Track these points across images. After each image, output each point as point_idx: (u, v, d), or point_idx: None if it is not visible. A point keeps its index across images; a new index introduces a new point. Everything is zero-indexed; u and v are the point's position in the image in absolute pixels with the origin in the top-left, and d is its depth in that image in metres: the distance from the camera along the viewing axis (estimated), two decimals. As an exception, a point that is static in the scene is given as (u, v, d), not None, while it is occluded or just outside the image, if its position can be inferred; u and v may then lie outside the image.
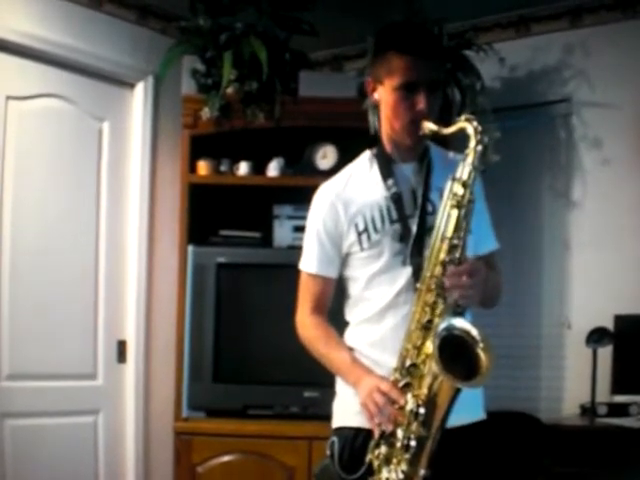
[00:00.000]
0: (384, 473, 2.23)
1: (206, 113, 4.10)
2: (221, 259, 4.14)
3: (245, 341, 4.16)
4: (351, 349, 2.45)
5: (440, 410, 2.16)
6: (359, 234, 2.43)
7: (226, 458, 4.04)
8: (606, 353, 4.07)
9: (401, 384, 2.22)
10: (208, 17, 4.13)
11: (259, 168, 4.29)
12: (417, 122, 2.35)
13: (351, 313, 2.52)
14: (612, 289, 4.24)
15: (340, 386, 2.51)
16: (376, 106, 2.51)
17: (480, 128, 2.25)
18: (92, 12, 4.36)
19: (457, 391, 2.14)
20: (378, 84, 2.43)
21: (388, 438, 2.23)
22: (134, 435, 4.51)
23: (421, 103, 2.33)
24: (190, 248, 4.16)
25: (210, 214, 4.34)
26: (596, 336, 4.07)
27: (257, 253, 4.24)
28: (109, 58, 4.43)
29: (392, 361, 2.28)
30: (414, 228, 2.38)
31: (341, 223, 2.45)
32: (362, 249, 2.43)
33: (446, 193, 2.26)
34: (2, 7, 3.97)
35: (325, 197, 2.50)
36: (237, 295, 4.20)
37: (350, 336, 2.50)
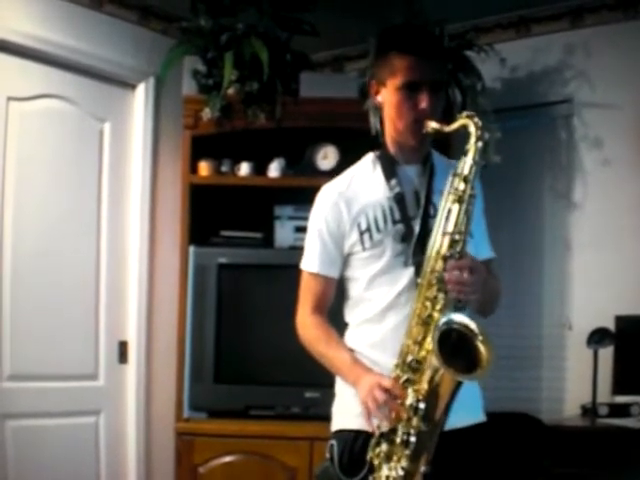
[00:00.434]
0: (384, 470, 2.23)
1: (207, 114, 4.11)
2: (222, 260, 4.14)
3: (246, 342, 4.17)
4: (351, 350, 2.45)
5: (441, 405, 2.17)
6: (361, 233, 2.43)
7: (227, 459, 4.04)
8: (607, 354, 4.07)
9: (402, 380, 2.22)
10: (209, 18, 4.14)
11: (260, 169, 4.29)
12: (420, 122, 2.36)
13: (351, 314, 2.52)
14: (613, 289, 4.24)
15: (339, 388, 2.51)
16: (379, 108, 2.52)
17: (481, 124, 2.27)
18: (93, 13, 4.36)
19: (458, 385, 2.14)
20: (381, 86, 2.44)
21: (389, 436, 2.23)
22: (135, 436, 4.52)
23: (424, 102, 2.34)
24: (191, 249, 4.16)
25: (211, 215, 4.34)
26: (597, 337, 4.07)
27: (258, 254, 4.24)
28: (110, 59, 4.43)
29: (392, 362, 2.28)
30: (417, 229, 2.38)
31: (344, 222, 2.45)
32: (364, 249, 2.43)
33: (447, 188, 2.28)
34: (3, 8, 3.97)
35: (328, 196, 2.50)
36: (238, 296, 4.20)
37: (350, 337, 2.50)
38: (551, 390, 4.44)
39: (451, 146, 3.43)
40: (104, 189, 4.48)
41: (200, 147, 4.25)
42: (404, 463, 2.20)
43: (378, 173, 2.48)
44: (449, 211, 2.25)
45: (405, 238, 2.39)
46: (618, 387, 4.05)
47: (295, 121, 4.21)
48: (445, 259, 2.22)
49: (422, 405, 2.17)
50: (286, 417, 4.08)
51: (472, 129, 2.27)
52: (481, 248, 2.50)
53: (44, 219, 4.20)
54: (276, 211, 4.29)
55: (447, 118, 2.39)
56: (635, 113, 4.26)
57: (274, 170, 4.27)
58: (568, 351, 4.40)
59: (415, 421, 2.18)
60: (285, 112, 4.17)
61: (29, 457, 4.04)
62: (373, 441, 2.26)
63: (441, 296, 2.22)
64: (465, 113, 2.31)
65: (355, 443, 2.37)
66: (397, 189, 2.42)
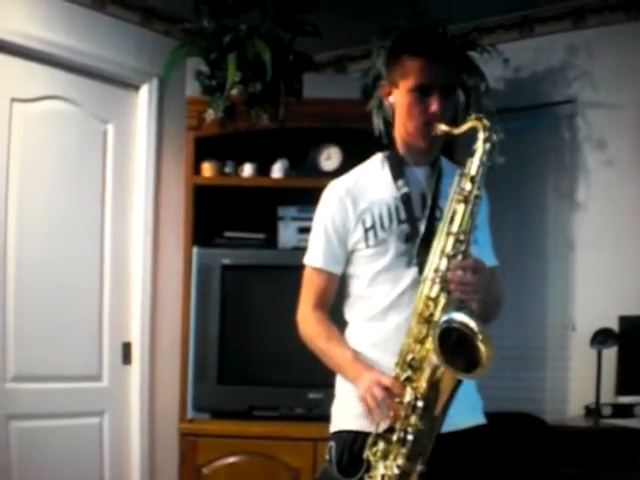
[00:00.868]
0: (380, 469, 2.23)
1: (210, 115, 4.11)
2: (226, 260, 4.14)
3: (250, 342, 4.17)
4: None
5: (439, 403, 2.16)
6: (366, 231, 2.43)
7: (231, 459, 4.04)
8: (611, 354, 4.07)
9: (402, 378, 2.22)
10: (212, 19, 4.14)
11: (263, 169, 4.29)
12: (430, 124, 2.36)
13: (351, 312, 2.52)
14: (616, 290, 4.23)
15: (339, 389, 2.50)
16: (391, 109, 2.52)
17: (489, 125, 2.28)
18: (96, 14, 4.37)
19: (457, 384, 2.14)
20: (393, 87, 2.45)
21: (386, 435, 2.22)
22: (139, 436, 4.52)
23: (434, 105, 2.35)
24: (195, 250, 4.16)
25: (215, 216, 4.34)
26: (601, 337, 4.07)
27: (262, 254, 4.25)
28: (113, 60, 4.44)
29: (394, 361, 2.28)
30: (422, 230, 2.38)
31: (349, 219, 2.45)
32: (367, 246, 2.43)
33: (453, 187, 2.28)
34: (6, 9, 3.98)
35: (334, 193, 2.51)
36: (242, 296, 4.20)
37: (351, 336, 2.49)
38: (555, 390, 4.44)
39: (455, 147, 3.43)
40: (108, 190, 4.49)
41: (203, 148, 4.25)
42: (400, 461, 2.19)
43: (386, 173, 2.49)
44: (454, 211, 2.26)
45: (409, 238, 2.39)
46: (622, 387, 4.05)
47: (298, 122, 4.21)
48: (449, 258, 2.23)
49: (420, 403, 2.17)
50: (290, 418, 4.08)
51: (480, 130, 2.28)
52: (485, 256, 2.49)
53: (48, 220, 4.21)
54: (279, 212, 4.29)
55: (453, 120, 2.40)
56: (638, 113, 4.25)
57: (277, 171, 4.27)
58: (572, 351, 4.40)
59: (413, 419, 2.17)
60: (288, 113, 4.17)
61: (33, 458, 4.05)
62: (370, 440, 2.25)
63: (443, 295, 2.22)
64: (474, 115, 2.32)
65: (354, 444, 2.37)
66: (404, 189, 2.43)
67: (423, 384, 2.17)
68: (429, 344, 2.18)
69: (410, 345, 2.24)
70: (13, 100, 4.07)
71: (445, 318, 2.16)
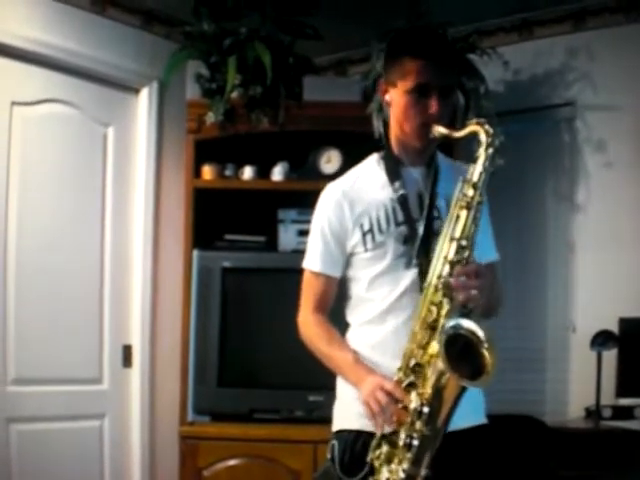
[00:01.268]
0: (384, 473, 2.23)
1: (210, 118, 4.12)
2: (226, 263, 4.15)
3: (250, 345, 4.17)
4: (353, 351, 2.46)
5: (444, 410, 2.17)
6: (364, 234, 2.43)
7: (232, 462, 4.04)
8: (611, 356, 4.07)
9: (405, 383, 2.23)
10: (212, 22, 4.15)
11: (264, 172, 4.30)
12: (428, 125, 2.36)
13: (352, 314, 2.52)
14: (616, 292, 4.23)
15: (341, 389, 2.51)
16: (386, 107, 2.52)
17: (492, 131, 2.26)
18: (96, 17, 4.37)
19: (462, 391, 2.15)
20: (390, 86, 2.44)
21: (390, 438, 2.23)
22: (140, 439, 4.52)
23: (433, 107, 2.34)
24: (195, 252, 4.17)
25: (215, 218, 4.34)
26: (601, 339, 4.07)
27: (262, 257, 4.25)
28: (113, 63, 4.44)
29: (393, 364, 2.28)
30: (420, 231, 2.38)
31: (346, 222, 2.46)
32: (366, 250, 2.43)
33: (456, 194, 2.27)
34: (6, 12, 3.98)
35: (331, 196, 2.51)
36: (242, 299, 4.21)
37: (351, 338, 2.50)
38: (555, 392, 4.44)
39: (454, 146, 3.42)
40: (108, 193, 4.49)
41: (204, 151, 4.26)
42: (405, 466, 2.20)
43: (382, 174, 2.48)
44: (457, 217, 2.25)
45: (408, 240, 2.39)
46: (622, 389, 4.05)
47: (298, 125, 4.21)
48: (452, 265, 2.23)
49: (426, 409, 2.17)
50: (290, 420, 4.08)
51: (483, 136, 2.26)
52: (486, 250, 2.49)
53: (48, 223, 4.21)
54: (280, 215, 4.30)
55: (450, 122, 2.40)
56: (638, 115, 4.26)
57: (277, 174, 4.28)
58: (572, 353, 4.40)
59: (418, 425, 2.18)
60: (288, 116, 4.17)
61: (34, 461, 4.04)
62: (374, 443, 2.26)
63: (447, 301, 2.22)
64: (475, 120, 2.31)
65: (356, 443, 2.38)
66: (401, 191, 2.43)
67: (428, 390, 2.17)
68: (432, 349, 2.19)
69: (413, 350, 2.24)
70: (13, 103, 4.07)
71: (452, 324, 2.16)
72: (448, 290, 2.22)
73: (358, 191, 2.48)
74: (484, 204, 2.43)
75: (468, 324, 2.17)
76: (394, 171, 2.46)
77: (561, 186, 4.52)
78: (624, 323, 4.09)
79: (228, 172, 4.31)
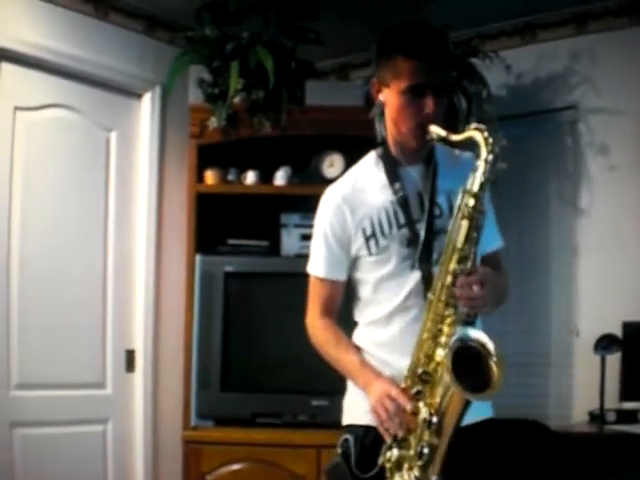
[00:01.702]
0: (397, 478, 2.24)
1: (213, 122, 4.12)
2: (229, 268, 4.15)
3: (253, 350, 4.17)
4: (359, 349, 2.47)
5: (452, 419, 2.17)
6: (367, 239, 2.43)
7: (235, 467, 4.05)
8: (614, 360, 4.06)
9: (412, 392, 2.23)
10: (214, 27, 4.15)
11: (266, 177, 4.30)
12: (424, 126, 2.34)
13: (360, 314, 2.53)
14: (620, 296, 4.23)
15: (351, 384, 2.50)
16: (381, 107, 2.50)
17: (491, 139, 2.23)
18: (99, 22, 4.38)
19: (468, 403, 2.15)
20: (384, 86, 2.42)
21: (400, 442, 2.24)
22: (143, 444, 4.52)
23: (428, 107, 2.33)
24: (198, 257, 4.17)
25: (218, 223, 4.34)
26: (604, 343, 4.06)
27: (265, 262, 4.25)
28: (116, 68, 4.45)
29: (400, 361, 2.29)
30: (422, 233, 2.38)
31: (348, 226, 2.45)
32: (370, 254, 2.43)
33: (457, 204, 2.26)
34: (9, 18, 3.99)
35: (332, 200, 2.50)
36: (245, 304, 4.21)
37: (358, 336, 2.51)
38: (559, 396, 4.43)
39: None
40: (111, 198, 4.49)
41: (206, 156, 4.26)
42: (416, 473, 2.21)
43: (381, 175, 2.48)
44: (459, 227, 2.24)
45: (411, 242, 2.39)
46: (626, 393, 4.04)
47: (301, 129, 4.22)
48: (455, 275, 2.22)
49: (435, 419, 2.18)
50: (293, 425, 4.08)
51: (481, 143, 2.23)
52: (490, 238, 2.48)
53: (51, 229, 4.21)
54: (282, 219, 4.30)
55: (452, 125, 2.38)
56: (641, 119, 4.26)
57: (280, 178, 4.28)
58: (575, 357, 4.39)
59: (427, 435, 2.19)
60: (291, 120, 4.18)
61: (37, 465, 4.05)
62: (385, 447, 2.27)
63: (451, 311, 2.22)
64: (474, 125, 2.27)
65: (365, 438, 2.38)
66: (401, 193, 2.42)
67: (437, 400, 2.18)
68: (438, 357, 2.20)
69: (420, 359, 2.25)
70: (16, 108, 4.08)
71: (459, 335, 2.16)
72: (452, 300, 2.22)
73: (358, 195, 2.47)
74: (489, 194, 2.44)
75: (477, 335, 2.16)
76: (393, 172, 2.46)
77: (564, 190, 4.51)
78: (628, 327, 4.08)
79: (231, 177, 4.31)
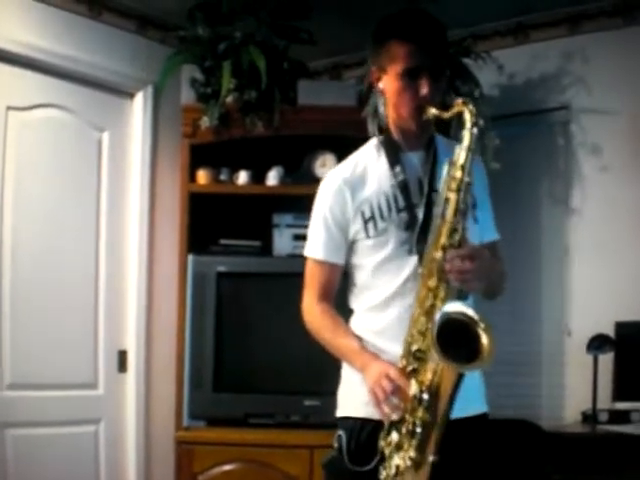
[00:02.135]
0: (395, 459, 2.24)
1: (205, 122, 4.11)
2: (221, 268, 4.14)
3: (246, 350, 4.16)
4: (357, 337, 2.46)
5: (444, 395, 2.16)
6: (365, 222, 2.44)
7: (227, 467, 4.04)
8: (607, 360, 4.07)
9: (409, 370, 2.23)
10: (207, 26, 4.15)
11: (258, 177, 4.29)
12: (422, 108, 2.36)
13: (356, 301, 2.52)
14: (612, 295, 4.23)
15: (347, 373, 2.50)
16: (382, 94, 2.51)
17: (475, 111, 2.27)
18: (91, 22, 4.37)
19: (460, 376, 2.14)
20: (382, 73, 2.45)
21: (398, 425, 2.23)
22: (135, 444, 4.51)
23: (424, 89, 2.34)
24: (190, 257, 4.16)
25: (210, 223, 4.34)
26: (597, 343, 4.07)
27: (257, 262, 4.24)
28: (108, 68, 4.44)
29: (397, 349, 2.29)
30: (420, 217, 2.39)
31: (348, 209, 2.46)
32: (368, 236, 2.43)
33: (444, 177, 2.27)
34: (1, 18, 3.98)
35: (332, 183, 2.51)
36: (237, 304, 4.20)
37: (355, 324, 2.50)
38: (551, 397, 4.43)
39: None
40: (103, 198, 4.48)
41: (198, 156, 4.25)
42: (412, 453, 2.20)
43: (382, 160, 2.49)
44: (447, 200, 2.25)
45: (409, 226, 2.40)
46: (618, 393, 4.05)
47: (293, 129, 4.21)
48: (444, 249, 2.22)
49: (426, 396, 2.17)
50: (286, 425, 4.07)
51: (467, 116, 2.27)
52: (486, 230, 2.52)
53: (43, 229, 4.20)
54: (275, 219, 4.29)
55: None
56: (633, 119, 4.26)
57: (272, 178, 4.28)
58: (568, 357, 4.39)
59: (420, 412, 2.18)
60: (283, 120, 4.17)
61: (29, 466, 4.04)
62: (384, 431, 2.27)
63: (443, 286, 2.22)
64: (460, 99, 2.30)
65: (362, 432, 2.38)
66: (401, 176, 2.43)
67: (428, 376, 2.18)
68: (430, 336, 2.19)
69: (414, 336, 2.25)
70: (8, 108, 4.07)
71: (443, 310, 2.15)
72: (442, 274, 2.22)
73: (359, 178, 2.48)
74: (482, 183, 2.48)
75: (456, 307, 2.16)
76: (394, 157, 2.47)
77: (556, 190, 4.52)
78: (620, 327, 4.09)
79: (223, 176, 4.31)
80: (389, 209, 2.42)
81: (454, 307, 2.16)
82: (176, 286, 4.22)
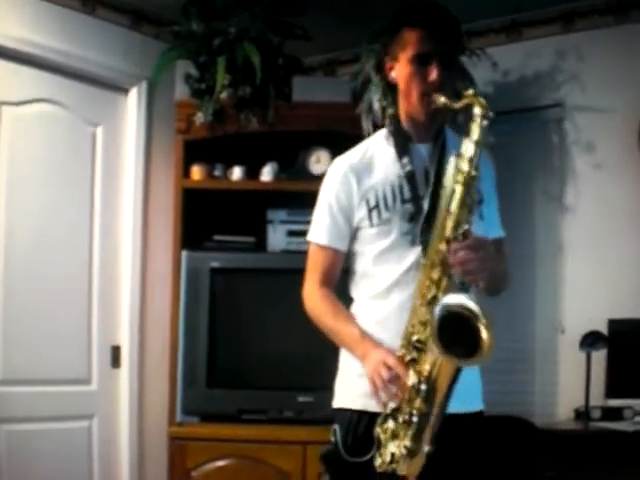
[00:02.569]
0: (390, 447, 2.24)
1: (200, 118, 4.11)
2: (215, 264, 4.14)
3: (239, 346, 4.16)
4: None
5: (442, 387, 2.17)
6: (370, 210, 2.44)
7: (220, 463, 4.04)
8: (600, 357, 4.07)
9: (407, 359, 2.22)
10: (201, 22, 4.15)
11: (253, 173, 4.29)
12: (430, 94, 2.36)
13: (357, 289, 2.53)
14: (606, 293, 4.24)
15: (344, 364, 2.51)
16: (394, 85, 2.50)
17: (485, 103, 2.25)
18: (85, 17, 4.36)
19: (459, 369, 2.14)
20: (395, 62, 2.46)
21: (395, 413, 2.23)
22: (128, 440, 4.51)
23: (433, 74, 2.35)
24: (184, 253, 4.16)
25: (204, 219, 4.34)
26: (590, 340, 4.07)
27: (251, 258, 4.24)
28: (102, 63, 4.43)
29: (396, 340, 2.28)
30: (425, 208, 2.38)
31: (353, 196, 2.46)
32: (372, 225, 2.44)
33: (451, 169, 2.27)
34: (-5, 12, 3.98)
35: (339, 169, 2.51)
36: (231, 300, 4.20)
37: (355, 313, 2.50)
38: (544, 394, 4.44)
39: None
40: (96, 193, 4.47)
41: (193, 151, 4.25)
42: (407, 442, 2.20)
43: (391, 150, 2.49)
44: (453, 192, 2.24)
45: (413, 217, 2.40)
46: (611, 390, 4.06)
47: (288, 125, 4.21)
48: (448, 241, 2.22)
49: (423, 386, 2.17)
50: (279, 421, 4.07)
51: (477, 108, 2.25)
52: (491, 227, 2.53)
53: (36, 224, 4.19)
54: (269, 215, 4.29)
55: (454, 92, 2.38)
56: (626, 116, 4.26)
57: (267, 174, 4.27)
58: (561, 354, 4.40)
59: (417, 402, 2.18)
60: (278, 116, 4.17)
61: (22, 461, 4.03)
62: (381, 417, 2.26)
63: (445, 278, 2.22)
64: (471, 91, 2.29)
65: (359, 424, 2.38)
66: (408, 167, 2.43)
67: (426, 367, 2.17)
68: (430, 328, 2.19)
69: (415, 326, 2.24)
70: (1, 103, 4.06)
71: (443, 302, 2.15)
72: (445, 266, 2.21)
73: (366, 166, 2.48)
74: (491, 180, 2.53)
75: (457, 299, 2.16)
76: (402, 146, 2.47)
77: (550, 187, 4.52)
78: (613, 324, 4.09)
79: (217, 172, 4.31)
80: (394, 199, 2.42)
81: (455, 299, 2.16)
82: (170, 282, 4.21)
